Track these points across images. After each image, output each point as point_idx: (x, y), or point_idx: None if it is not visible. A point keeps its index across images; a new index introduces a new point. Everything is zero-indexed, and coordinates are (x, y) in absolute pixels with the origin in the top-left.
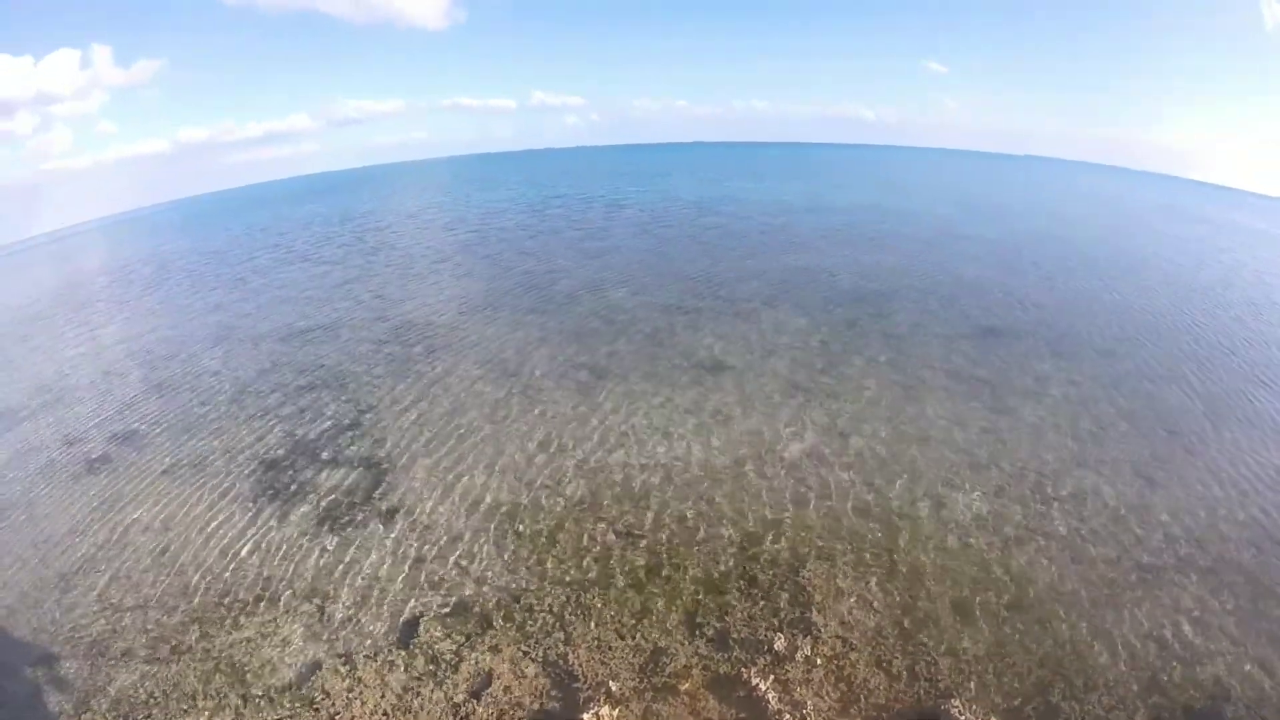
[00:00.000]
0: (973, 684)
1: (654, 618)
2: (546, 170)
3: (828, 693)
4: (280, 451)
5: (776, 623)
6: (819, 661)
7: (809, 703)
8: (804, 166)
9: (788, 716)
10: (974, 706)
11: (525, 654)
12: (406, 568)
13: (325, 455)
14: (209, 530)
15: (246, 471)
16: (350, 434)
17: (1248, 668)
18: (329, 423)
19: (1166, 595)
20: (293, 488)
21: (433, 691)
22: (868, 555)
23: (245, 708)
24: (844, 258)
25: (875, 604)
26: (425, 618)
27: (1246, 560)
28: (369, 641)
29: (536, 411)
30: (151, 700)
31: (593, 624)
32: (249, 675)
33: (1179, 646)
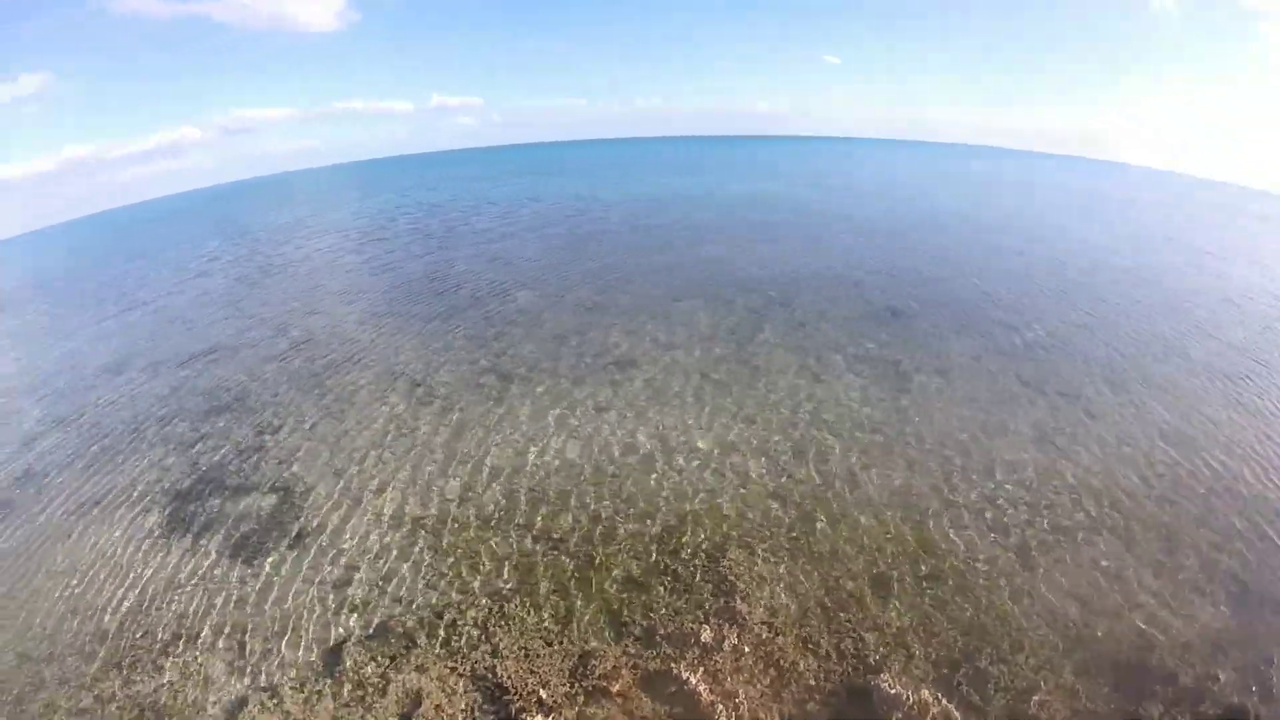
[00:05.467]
0: (900, 656)
1: (579, 621)
2: (443, 173)
3: (758, 679)
4: (186, 482)
5: (702, 614)
6: (747, 649)
7: (740, 691)
8: (706, 160)
9: (721, 707)
10: (903, 679)
11: (453, 670)
12: (324, 592)
13: (232, 482)
14: (118, 570)
15: (153, 505)
16: (257, 458)
17: (1168, 616)
18: (234, 448)
19: (1083, 554)
20: (201, 518)
21: (363, 717)
22: (786, 539)
23: None
24: (742, 249)
25: (797, 587)
26: (348, 642)
27: (1156, 514)
28: (293, 672)
29: (446, 421)
30: None
31: (518, 633)
32: (175, 719)
33: (1099, 602)
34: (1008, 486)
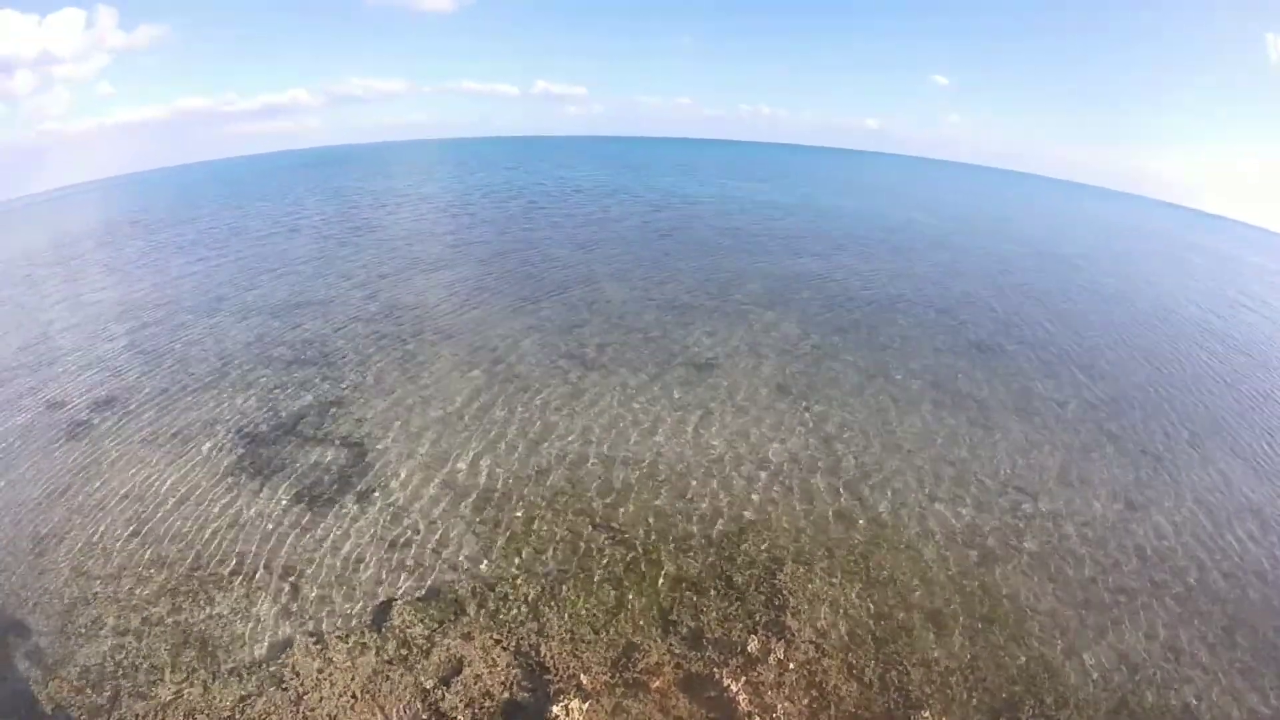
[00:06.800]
0: (943, 696)
1: (628, 613)
2: (542, 157)
3: (798, 698)
4: (262, 426)
5: (751, 624)
6: (791, 666)
7: (779, 707)
8: (812, 173)
9: (757, 719)
10: (944, 719)
11: (497, 643)
12: (382, 549)
13: (307, 432)
14: (185, 501)
15: (226, 444)
16: (333, 412)
17: (1218, 696)
18: (312, 399)
19: (1141, 619)
20: (272, 463)
21: (403, 676)
22: (846, 561)
23: (214, 683)
24: (835, 264)
25: (850, 611)
26: (399, 601)
27: (1222, 589)
28: (341, 622)
29: (521, 399)
30: (120, 671)
31: (567, 616)
32: (219, 651)
33: (1151, 671)
34: (1076, 539)
